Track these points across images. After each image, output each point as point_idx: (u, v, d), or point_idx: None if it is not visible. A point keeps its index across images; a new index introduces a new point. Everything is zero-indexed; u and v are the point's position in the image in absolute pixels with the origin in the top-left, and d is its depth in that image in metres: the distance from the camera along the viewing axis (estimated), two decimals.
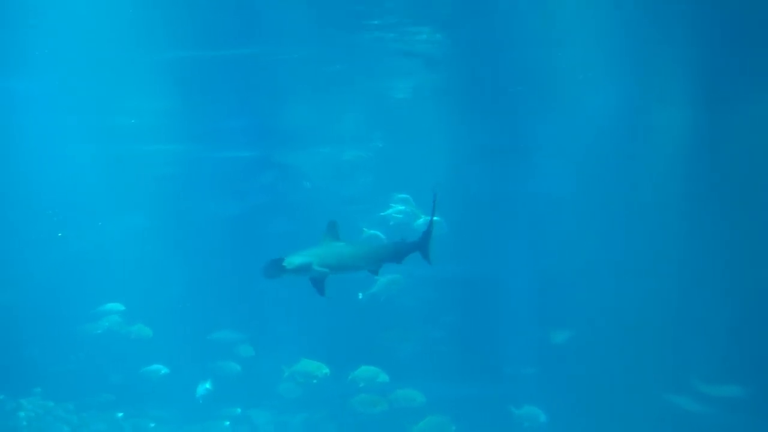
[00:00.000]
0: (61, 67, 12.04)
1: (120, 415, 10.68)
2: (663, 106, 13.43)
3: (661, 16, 9.96)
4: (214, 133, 15.62)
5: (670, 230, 13.18)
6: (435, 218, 10.92)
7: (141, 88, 13.27)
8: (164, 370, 11.00)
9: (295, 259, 6.14)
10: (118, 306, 11.03)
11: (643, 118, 13.81)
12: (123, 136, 15.59)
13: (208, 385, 10.69)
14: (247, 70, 12.28)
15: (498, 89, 13.34)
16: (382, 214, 11.20)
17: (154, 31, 10.03)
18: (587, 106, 13.57)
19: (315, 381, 9.23)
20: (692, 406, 10.97)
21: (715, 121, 12.79)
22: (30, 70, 12.28)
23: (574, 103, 13.59)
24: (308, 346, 11.72)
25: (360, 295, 14.27)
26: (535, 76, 12.41)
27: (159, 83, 12.84)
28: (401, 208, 10.95)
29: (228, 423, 10.86)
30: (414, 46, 11.12)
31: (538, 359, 13.14)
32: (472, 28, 10.38)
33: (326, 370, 9.19)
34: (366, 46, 11.06)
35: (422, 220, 10.67)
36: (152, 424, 10.79)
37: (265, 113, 15.06)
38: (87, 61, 11.58)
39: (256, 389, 11.16)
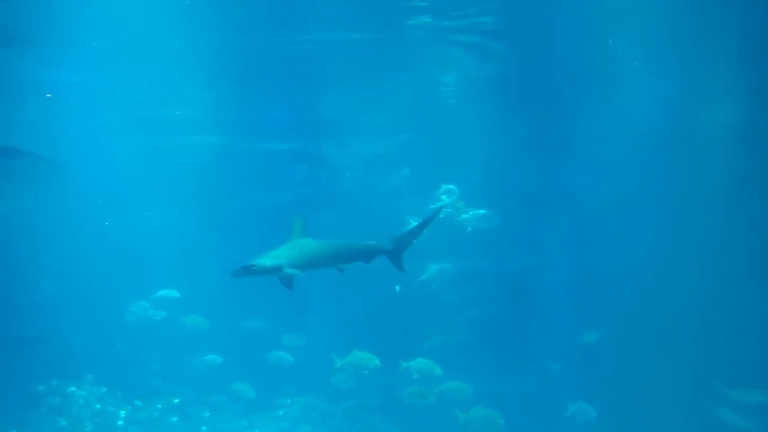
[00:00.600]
0: (109, 59, 12.16)
1: (176, 401, 10.85)
2: (710, 99, 13.21)
3: (712, 5, 9.76)
4: (257, 125, 15.75)
5: (714, 229, 12.95)
6: (463, 215, 11.08)
7: (187, 79, 13.46)
8: (218, 359, 11.18)
9: (266, 261, 6.27)
10: (173, 293, 11.25)
11: (690, 111, 13.59)
12: (169, 128, 15.85)
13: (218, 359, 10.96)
14: (292, 60, 12.21)
15: (544, 81, 13.20)
16: (432, 207, 11.18)
17: (200, 18, 9.99)
18: (632, 98, 13.40)
19: (366, 372, 9.32)
20: (728, 413, 10.78)
21: (764, 116, 12.54)
22: (78, 61, 12.40)
23: (619, 96, 13.42)
24: (353, 338, 11.83)
25: (397, 288, 14.36)
26: (582, 67, 12.24)
27: (204, 74, 12.99)
28: (450, 201, 10.91)
29: (281, 412, 10.97)
30: (464, 35, 11.01)
31: (577, 356, 13.05)
32: (524, 16, 10.21)
33: (377, 362, 9.27)
34: (415, 35, 10.91)
35: (470, 214, 10.65)
36: (207, 413, 10.93)
37: (308, 105, 15.16)
38: (134, 51, 11.64)
39: (303, 379, 11.28)
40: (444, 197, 11.17)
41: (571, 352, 12.98)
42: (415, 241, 6.93)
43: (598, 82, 12.88)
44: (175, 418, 10.75)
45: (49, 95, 14.53)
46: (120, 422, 10.45)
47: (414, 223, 11.55)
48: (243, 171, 15.47)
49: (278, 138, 15.91)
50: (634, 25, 10.20)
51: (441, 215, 7.03)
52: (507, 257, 13.84)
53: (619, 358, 12.46)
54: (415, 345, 11.51)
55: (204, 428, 10.75)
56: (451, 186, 12.22)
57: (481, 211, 10.98)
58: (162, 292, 10.55)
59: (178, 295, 10.70)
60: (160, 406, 10.92)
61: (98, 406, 10.57)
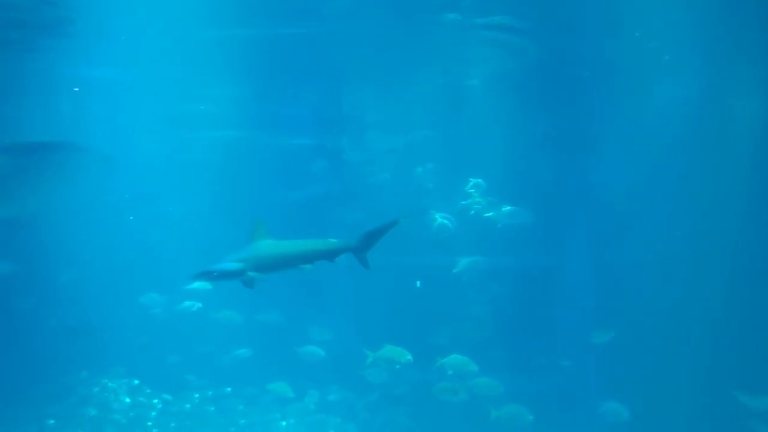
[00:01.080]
0: (136, 55, 12.24)
1: (210, 393, 10.96)
2: (739, 95, 13.08)
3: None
4: (281, 120, 15.82)
5: (738, 228, 12.84)
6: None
7: (211, 75, 13.53)
8: (248, 352, 11.28)
9: (227, 266, 6.31)
10: (206, 285, 11.39)
11: (717, 107, 13.47)
12: (193, 122, 15.95)
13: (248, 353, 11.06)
14: (316, 52, 12.22)
15: (569, 75, 13.12)
16: (463, 203, 11.17)
17: (225, 9, 9.99)
18: (659, 94, 13.32)
19: (398, 367, 9.36)
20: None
21: None
22: (107, 57, 12.48)
23: (644, 92, 13.34)
24: (374, 333, 11.90)
25: (418, 284, 14.37)
26: (608, 61, 12.15)
27: (228, 69, 13.05)
28: (483, 199, 10.90)
29: (312, 405, 11.13)
30: (490, 31, 10.93)
31: (598, 354, 13.01)
32: (551, 10, 10.12)
33: (409, 357, 9.29)
34: (441, 29, 10.87)
35: (501, 211, 10.65)
36: (241, 406, 11.04)
37: (331, 100, 15.20)
38: (160, 45, 11.70)
39: (331, 371, 11.36)
40: (473, 192, 11.14)
41: (591, 350, 12.93)
42: (380, 240, 6.96)
43: (624, 76, 12.80)
44: (212, 408, 10.81)
45: (77, 89, 14.70)
46: (153, 413, 10.56)
47: (442, 220, 11.72)
48: (267, 166, 15.51)
49: (302, 133, 15.96)
50: (662, 18, 10.09)
51: (414, 217, 7.02)
52: (528, 254, 13.78)
53: (639, 358, 12.41)
54: (433, 340, 11.49)
55: (242, 421, 10.82)
56: (479, 180, 12.23)
57: (512, 208, 10.94)
58: (195, 284, 10.70)
59: (210, 287, 10.83)
60: (197, 395, 10.98)
61: (128, 400, 10.67)
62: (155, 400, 10.77)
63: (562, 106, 14.35)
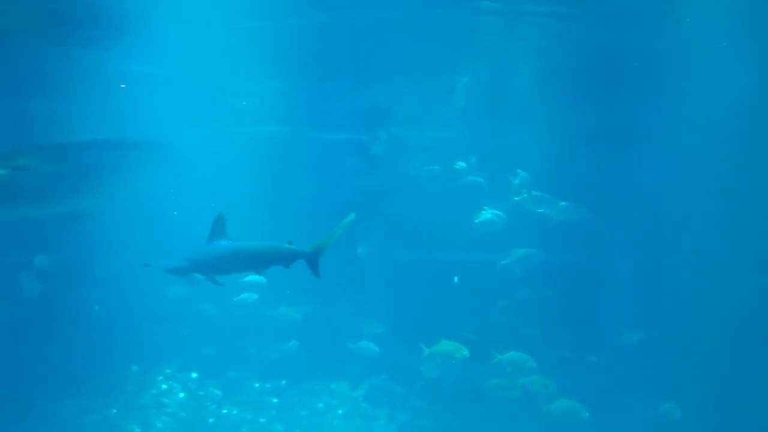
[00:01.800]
0: (179, 49, 12.34)
1: (268, 385, 11.12)
2: None
3: None
4: (321, 115, 15.88)
5: None
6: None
7: (253, 69, 13.62)
8: (295, 344, 11.42)
9: (176, 264, 6.31)
10: (260, 279, 11.56)
11: None
12: (235, 118, 16.07)
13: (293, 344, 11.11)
14: (359, 42, 12.19)
15: (618, 67, 12.93)
16: (516, 198, 11.12)
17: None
18: (710, 86, 13.07)
19: (454, 362, 9.39)
20: None
21: None
22: (147, 52, 12.61)
23: (695, 83, 13.11)
24: (426, 329, 11.94)
25: (456, 279, 14.37)
26: (658, 51, 11.95)
27: (270, 63, 13.12)
28: (537, 194, 10.86)
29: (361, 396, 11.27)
30: (536, 18, 10.78)
31: (642, 354, 12.90)
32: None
33: (465, 352, 9.33)
34: (487, 18, 10.76)
35: (562, 205, 10.59)
36: (320, 404, 11.23)
37: (372, 94, 15.22)
38: (203, 40, 11.79)
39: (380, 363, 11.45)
40: (522, 187, 11.09)
41: (637, 349, 12.83)
42: (334, 246, 6.85)
43: (674, 66, 12.56)
44: (275, 399, 10.93)
45: (124, 85, 14.90)
46: (213, 406, 10.73)
47: (486, 215, 11.69)
48: (309, 161, 15.56)
49: (344, 128, 16.00)
50: (713, 3, 9.80)
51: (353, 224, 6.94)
52: (573, 251, 13.68)
53: (686, 357, 12.28)
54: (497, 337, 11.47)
55: (304, 412, 10.93)
56: (524, 174, 12.18)
57: (569, 204, 10.88)
58: (250, 278, 10.89)
59: (265, 281, 11.01)
60: (257, 385, 11.12)
61: (186, 392, 10.85)
62: (215, 391, 10.91)
63: (609, 98, 14.18)
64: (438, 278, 13.83)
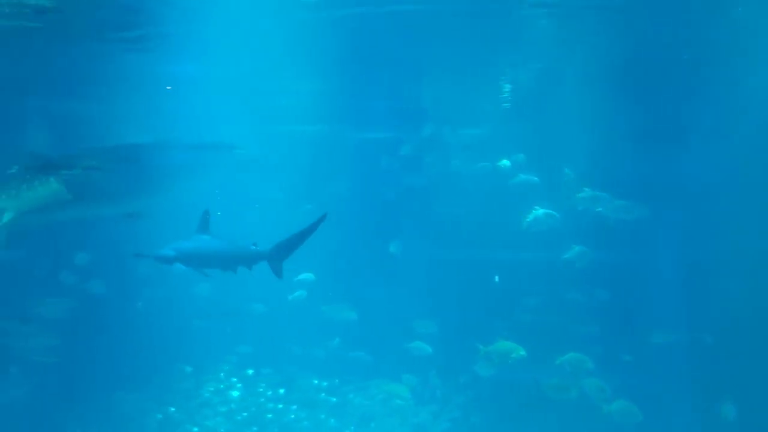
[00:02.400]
0: (222, 49, 12.42)
1: (325, 384, 11.19)
2: None
3: None
4: (364, 114, 15.88)
5: None
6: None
7: (294, 68, 13.65)
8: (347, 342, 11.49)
9: (162, 252, 6.47)
10: (310, 276, 11.67)
11: None
12: (276, 117, 16.15)
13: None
14: (399, 35, 12.12)
15: (665, 61, 12.70)
16: (579, 195, 11.01)
17: None
18: (759, 82, 12.80)
19: (510, 362, 9.36)
20: None
21: None
22: (191, 53, 12.75)
23: (744, 79, 12.84)
24: (474, 328, 11.92)
25: (496, 278, 14.30)
26: (706, 43, 11.68)
27: (311, 62, 13.13)
28: (594, 193, 10.77)
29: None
30: (579, 10, 10.44)
31: (686, 356, 12.72)
32: None
33: (522, 352, 9.29)
34: (529, 11, 10.54)
35: (619, 204, 10.49)
36: (351, 395, 11.23)
37: (412, 92, 15.17)
38: (246, 40, 11.84)
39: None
40: (570, 182, 11.00)
41: (678, 350, 12.66)
42: (297, 248, 6.91)
43: (722, 59, 12.29)
44: (334, 399, 11.02)
45: (169, 87, 15.07)
46: (270, 404, 10.83)
47: (539, 211, 11.59)
48: (352, 161, 15.59)
49: (385, 127, 16.00)
50: None
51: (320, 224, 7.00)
52: (618, 249, 13.52)
53: (731, 357, 12.08)
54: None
55: (358, 410, 11.06)
56: (567, 170, 12.06)
57: (626, 203, 10.76)
58: (302, 276, 11.03)
59: (314, 278, 11.15)
60: (315, 381, 11.23)
61: (241, 390, 10.97)
62: (270, 391, 11.02)
63: (656, 94, 13.95)
64: (484, 277, 13.80)
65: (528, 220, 11.71)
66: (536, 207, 11.35)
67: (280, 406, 10.87)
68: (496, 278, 14.34)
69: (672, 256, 14.20)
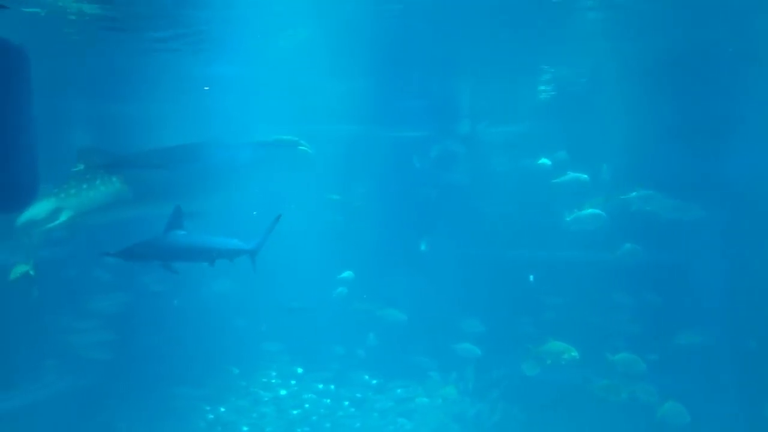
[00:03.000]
0: (257, 49, 12.43)
1: (374, 382, 11.20)
2: None
3: None
4: (399, 113, 15.83)
5: None
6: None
7: (331, 68, 13.63)
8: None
9: (134, 250, 6.41)
10: (350, 274, 11.71)
11: None
12: (311, 117, 16.15)
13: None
14: (433, 39, 12.02)
15: (709, 55, 12.47)
16: (623, 197, 10.89)
17: None
18: None
19: (562, 362, 9.26)
20: None
21: None
22: (226, 54, 12.77)
23: None
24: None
25: (531, 278, 14.17)
26: (750, 36, 11.45)
27: (347, 62, 13.10)
28: (645, 193, 10.63)
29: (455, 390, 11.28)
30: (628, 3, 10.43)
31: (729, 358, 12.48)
32: None
33: (575, 353, 9.18)
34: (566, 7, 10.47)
35: (671, 203, 10.34)
36: (399, 390, 11.26)
37: (447, 90, 15.08)
38: (282, 41, 11.83)
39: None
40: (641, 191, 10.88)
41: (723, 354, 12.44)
42: (267, 241, 7.19)
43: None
44: (382, 396, 11.10)
45: (207, 88, 15.15)
46: (320, 401, 10.84)
47: (587, 211, 11.46)
48: (391, 160, 15.53)
49: (420, 126, 15.93)
50: None
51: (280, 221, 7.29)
52: (659, 249, 13.31)
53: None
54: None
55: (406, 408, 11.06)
56: (605, 166, 11.92)
57: (679, 202, 10.60)
58: (345, 274, 11.10)
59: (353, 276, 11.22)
60: (375, 382, 11.28)
61: (292, 389, 11.00)
62: (320, 387, 11.03)
63: (699, 90, 13.71)
64: (524, 276, 13.70)
65: (573, 218, 11.58)
66: (586, 206, 11.22)
67: (328, 401, 10.86)
68: (531, 277, 14.23)
69: (715, 256, 13.93)
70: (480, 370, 11.57)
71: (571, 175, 12.21)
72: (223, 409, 10.74)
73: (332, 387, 11.13)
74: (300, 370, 11.36)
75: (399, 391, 11.04)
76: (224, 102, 15.45)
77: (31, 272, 9.27)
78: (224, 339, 12.20)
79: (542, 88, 14.81)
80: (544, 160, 13.61)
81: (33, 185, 3.01)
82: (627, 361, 9.37)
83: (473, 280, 13.57)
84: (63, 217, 9.36)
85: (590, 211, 11.22)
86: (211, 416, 10.62)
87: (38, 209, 9.44)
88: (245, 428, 10.25)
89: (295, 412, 10.50)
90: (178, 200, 9.87)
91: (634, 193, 10.73)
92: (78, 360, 11.60)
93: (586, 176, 12.17)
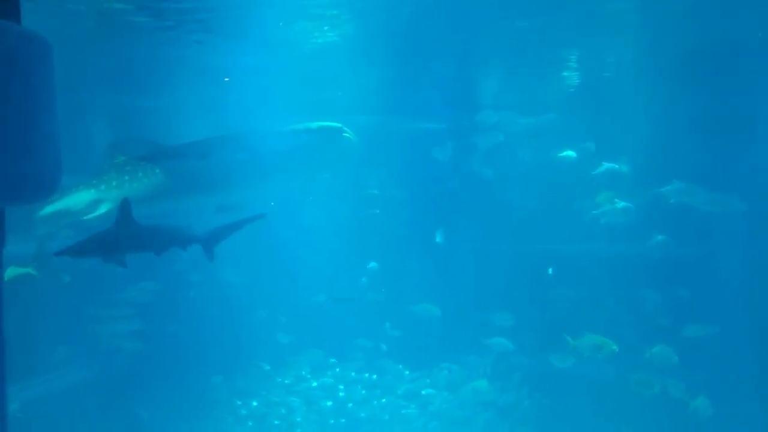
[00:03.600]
0: (277, 39, 12.27)
1: (406, 372, 11.12)
2: None
3: None
4: (418, 104, 15.68)
5: None
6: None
7: (350, 60, 13.46)
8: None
9: (85, 244, 6.27)
10: (374, 265, 11.63)
11: None
12: (330, 109, 15.99)
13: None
14: (451, 28, 11.88)
15: (736, 44, 12.28)
16: (660, 190, 10.75)
17: None
18: None
19: (600, 356, 9.17)
20: None
21: None
22: (247, 43, 12.61)
23: None
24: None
25: (550, 270, 14.04)
26: None
27: (368, 53, 12.95)
28: (682, 185, 10.47)
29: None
30: None
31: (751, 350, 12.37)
32: None
33: (614, 347, 9.08)
34: None
35: (709, 197, 10.19)
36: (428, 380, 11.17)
37: (467, 81, 14.91)
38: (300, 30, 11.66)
39: None
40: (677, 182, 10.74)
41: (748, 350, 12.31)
42: (231, 235, 7.04)
43: None
44: (413, 386, 11.01)
45: (227, 79, 14.99)
46: (353, 393, 10.77)
47: (619, 204, 11.34)
48: (414, 152, 15.38)
49: (445, 117, 15.77)
50: None
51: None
52: (676, 242, 13.18)
53: None
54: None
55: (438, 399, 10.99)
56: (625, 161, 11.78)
57: (718, 194, 10.44)
58: (370, 265, 11.02)
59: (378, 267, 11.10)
60: (406, 372, 11.21)
61: (316, 382, 10.95)
62: (353, 375, 10.98)
63: (724, 80, 13.53)
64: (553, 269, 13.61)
65: (602, 211, 11.45)
66: (616, 199, 11.09)
67: (363, 391, 10.78)
68: (550, 270, 14.12)
69: (739, 250, 13.78)
70: (510, 362, 11.54)
71: (606, 165, 12.04)
72: (255, 403, 10.68)
73: (367, 375, 11.00)
74: (333, 360, 11.29)
75: (428, 380, 10.96)
76: (244, 93, 15.32)
77: (33, 272, 9.08)
78: (250, 331, 12.14)
79: (567, 75, 14.63)
80: (569, 152, 13.46)
81: (56, 177, 2.99)
82: (662, 354, 9.29)
83: (501, 274, 13.53)
84: (102, 209, 9.21)
85: (621, 204, 11.09)
86: (243, 411, 10.54)
87: (76, 200, 9.34)
88: (276, 422, 10.17)
89: (329, 402, 10.42)
90: (221, 191, 9.79)
91: (671, 186, 10.55)
92: (105, 348, 11.55)
93: (624, 167, 12.01)
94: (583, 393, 11.56)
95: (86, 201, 9.38)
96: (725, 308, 12.74)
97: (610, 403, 11.10)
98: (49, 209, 9.50)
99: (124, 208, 6.50)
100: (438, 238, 13.75)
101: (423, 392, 10.98)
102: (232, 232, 7.03)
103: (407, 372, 11.47)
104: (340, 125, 11.07)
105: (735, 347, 12.32)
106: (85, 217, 9.07)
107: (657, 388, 9.55)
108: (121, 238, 6.45)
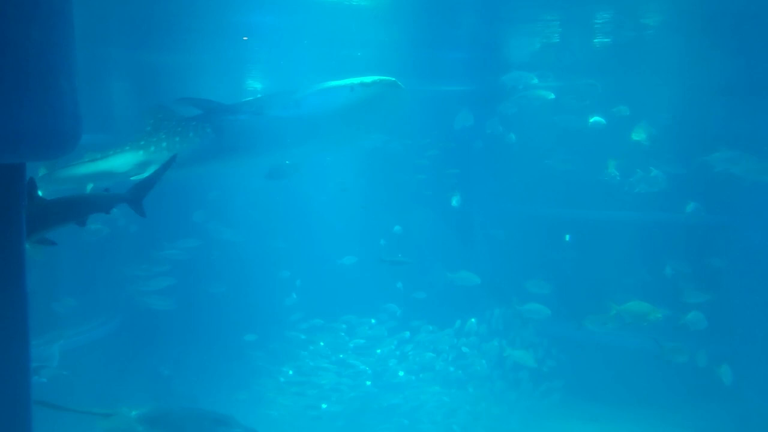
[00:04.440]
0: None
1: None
2: None
3: None
4: (445, 65, 15.26)
5: None
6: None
7: (370, 18, 13.02)
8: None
9: None
10: (398, 229, 11.39)
11: None
12: (349, 69, 15.51)
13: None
14: None
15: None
16: (715, 155, 10.43)
17: None
18: None
19: (645, 324, 9.05)
20: None
21: None
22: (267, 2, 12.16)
23: None
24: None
25: (567, 237, 13.89)
26: None
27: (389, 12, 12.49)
28: (730, 153, 10.17)
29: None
30: None
31: None
32: None
33: (659, 315, 8.96)
34: None
35: (761, 165, 9.94)
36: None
37: (492, 44, 14.49)
38: None
39: None
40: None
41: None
42: (153, 187, 6.60)
43: None
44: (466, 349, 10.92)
45: (246, 38, 14.49)
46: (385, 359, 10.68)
47: (652, 172, 11.10)
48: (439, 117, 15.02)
49: (469, 79, 15.37)
50: None
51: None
52: (703, 210, 12.99)
53: None
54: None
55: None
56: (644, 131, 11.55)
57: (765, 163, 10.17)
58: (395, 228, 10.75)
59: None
60: (431, 327, 11.23)
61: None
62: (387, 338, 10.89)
63: (759, 44, 13.18)
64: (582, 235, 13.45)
65: (636, 178, 11.22)
66: (650, 168, 10.86)
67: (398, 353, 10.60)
68: (567, 237, 13.98)
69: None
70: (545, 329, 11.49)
71: (644, 131, 11.75)
72: (291, 372, 10.58)
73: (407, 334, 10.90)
74: (373, 321, 11.16)
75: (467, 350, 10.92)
76: (265, 52, 14.86)
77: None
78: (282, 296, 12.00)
79: (598, 40, 14.20)
80: (598, 118, 13.15)
81: (76, 131, 2.87)
82: (695, 320, 9.22)
83: (534, 241, 13.36)
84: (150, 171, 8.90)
85: (654, 172, 10.85)
86: (282, 378, 10.44)
87: (122, 161, 9.02)
88: (313, 390, 10.07)
89: (368, 369, 10.31)
90: (275, 151, 9.41)
91: (717, 153, 10.25)
92: (135, 305, 11.40)
93: (656, 132, 11.73)
94: (610, 361, 11.56)
95: (133, 163, 9.07)
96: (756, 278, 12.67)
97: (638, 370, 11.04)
98: (91, 168, 9.18)
99: (31, 184, 5.97)
100: (454, 203, 13.52)
101: (463, 349, 10.92)
102: (154, 182, 6.59)
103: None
104: (393, 78, 10.52)
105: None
106: (131, 179, 8.74)
107: (686, 356, 9.50)
108: (30, 219, 5.84)
